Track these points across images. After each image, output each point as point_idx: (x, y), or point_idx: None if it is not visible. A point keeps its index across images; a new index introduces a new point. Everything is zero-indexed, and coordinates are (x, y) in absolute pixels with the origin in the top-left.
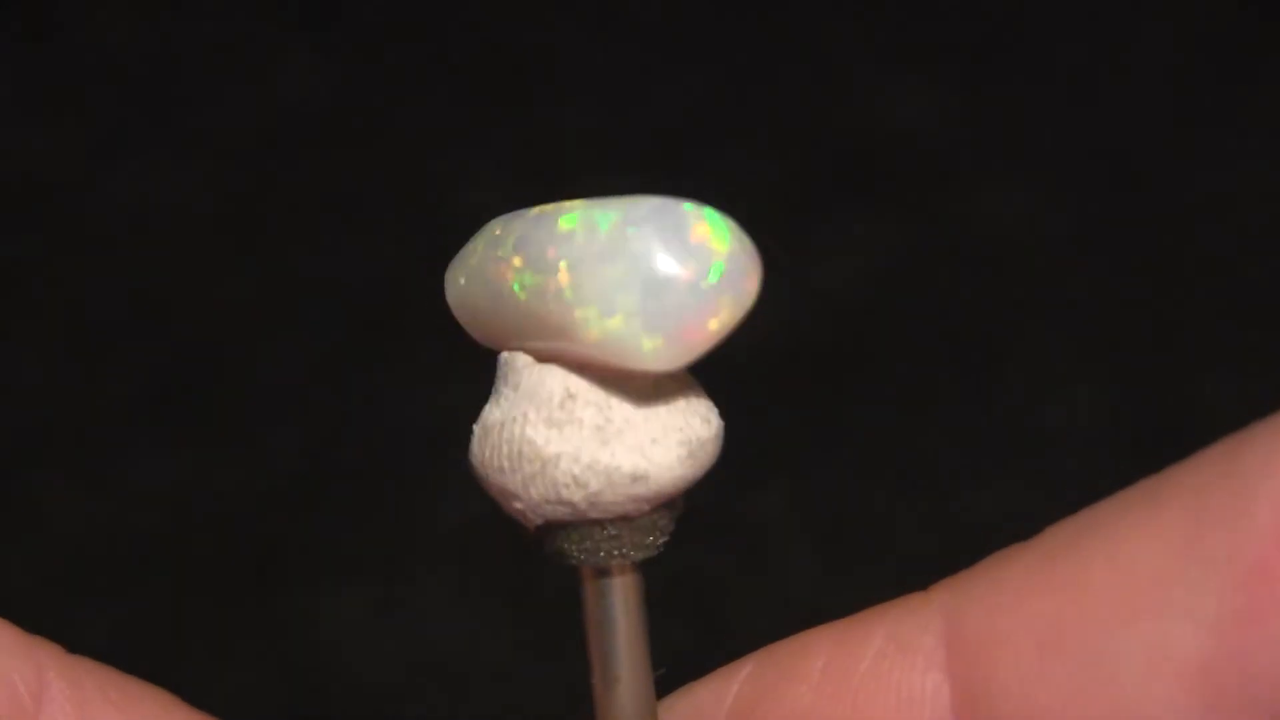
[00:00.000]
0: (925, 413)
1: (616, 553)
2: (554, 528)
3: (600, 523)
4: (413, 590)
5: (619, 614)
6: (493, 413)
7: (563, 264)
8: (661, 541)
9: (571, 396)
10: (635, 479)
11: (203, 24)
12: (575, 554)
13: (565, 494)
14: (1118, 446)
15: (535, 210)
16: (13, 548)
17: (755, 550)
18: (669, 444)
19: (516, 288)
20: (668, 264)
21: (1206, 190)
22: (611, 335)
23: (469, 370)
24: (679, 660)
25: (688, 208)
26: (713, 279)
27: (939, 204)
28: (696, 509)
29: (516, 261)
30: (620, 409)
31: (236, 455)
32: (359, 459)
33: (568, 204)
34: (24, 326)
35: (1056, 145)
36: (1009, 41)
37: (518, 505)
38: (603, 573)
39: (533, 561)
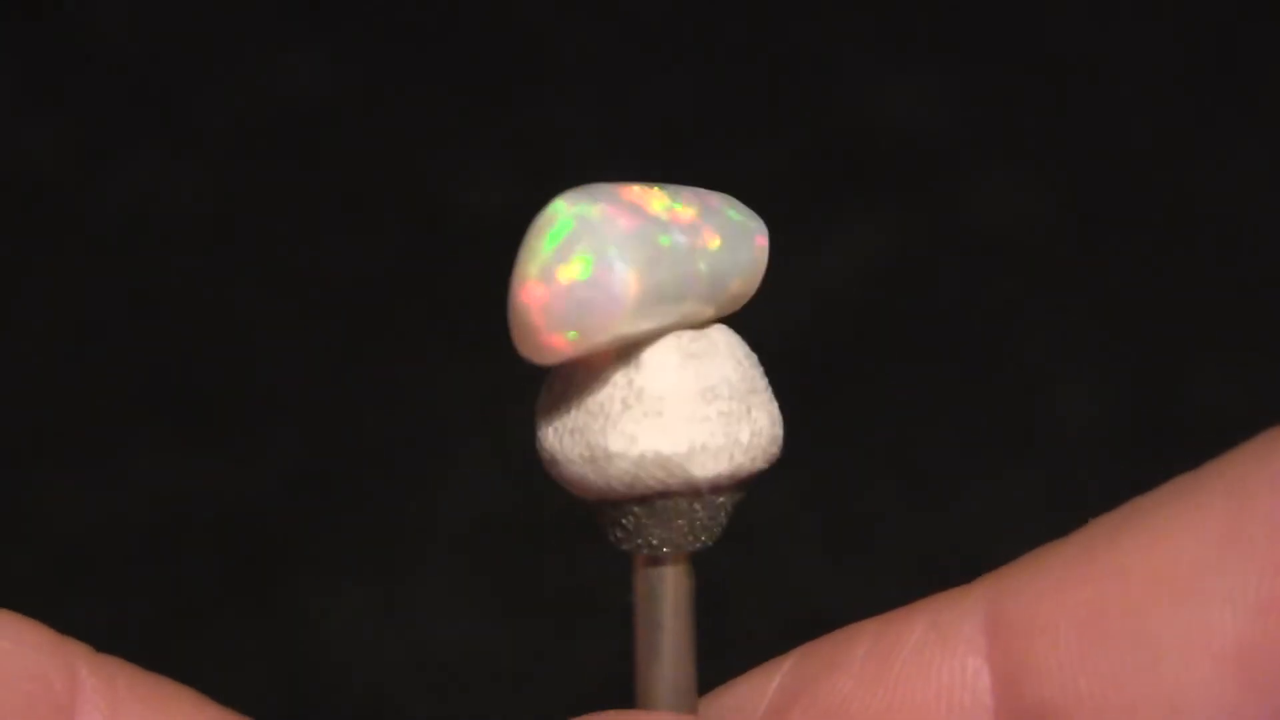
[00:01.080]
0: (926, 411)
1: (614, 537)
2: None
3: (584, 502)
4: (414, 589)
5: (661, 602)
6: None
7: None
8: (660, 539)
9: (564, 365)
10: (549, 461)
11: (201, 22)
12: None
13: (540, 454)
14: (1119, 443)
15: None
16: (13, 547)
17: (757, 548)
18: (577, 442)
19: None
20: (528, 261)
21: (1207, 187)
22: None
23: (469, 368)
24: None
25: (597, 212)
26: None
27: (939, 202)
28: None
29: None
30: (578, 392)
31: (237, 454)
32: (359, 458)
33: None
34: (24, 326)
35: (1057, 143)
36: (1008, 39)
37: None
38: (654, 560)
39: (534, 560)
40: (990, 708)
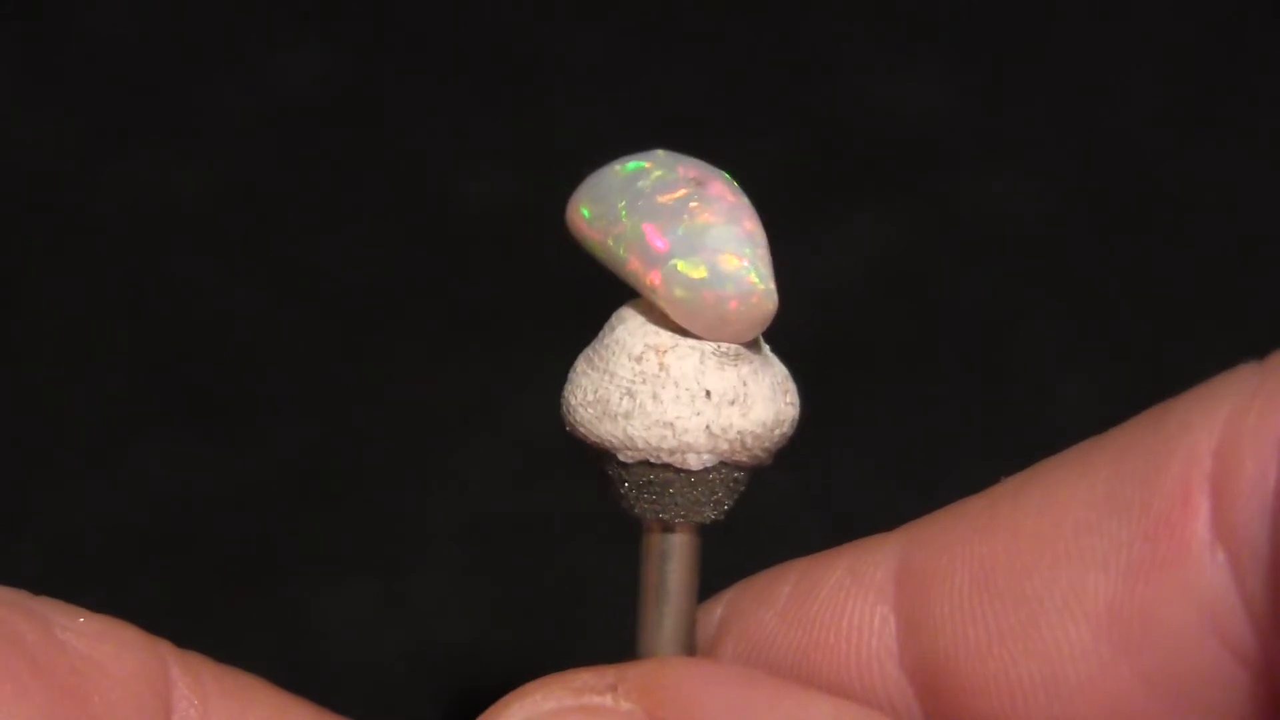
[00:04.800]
0: (926, 410)
1: (623, 504)
2: None
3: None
4: (414, 588)
5: (668, 568)
6: None
7: None
8: (650, 504)
9: None
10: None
11: (201, 20)
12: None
13: None
14: None
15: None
16: (13, 547)
17: (755, 547)
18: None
19: None
20: None
21: (1210, 186)
22: None
23: (468, 366)
24: None
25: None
26: None
27: (940, 200)
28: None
29: None
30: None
31: (237, 454)
32: (359, 456)
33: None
34: (24, 326)
35: (1059, 142)
36: (1010, 37)
37: None
38: (666, 527)
39: (534, 559)
40: (895, 654)
